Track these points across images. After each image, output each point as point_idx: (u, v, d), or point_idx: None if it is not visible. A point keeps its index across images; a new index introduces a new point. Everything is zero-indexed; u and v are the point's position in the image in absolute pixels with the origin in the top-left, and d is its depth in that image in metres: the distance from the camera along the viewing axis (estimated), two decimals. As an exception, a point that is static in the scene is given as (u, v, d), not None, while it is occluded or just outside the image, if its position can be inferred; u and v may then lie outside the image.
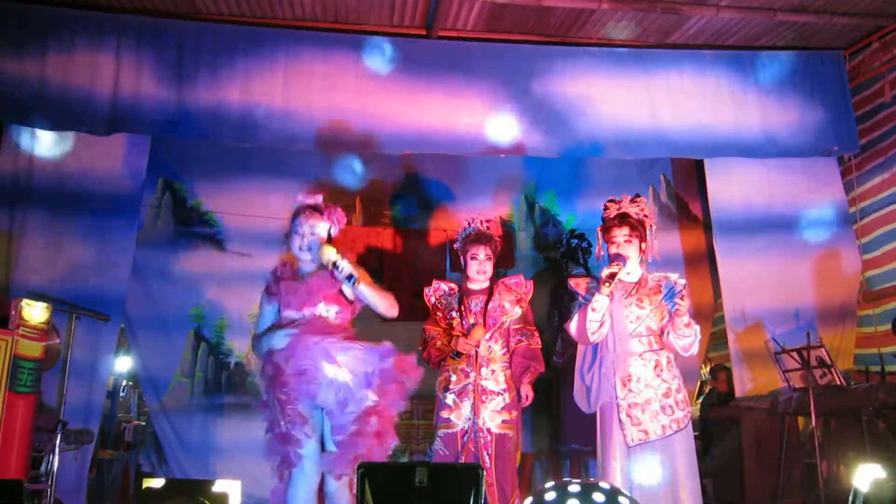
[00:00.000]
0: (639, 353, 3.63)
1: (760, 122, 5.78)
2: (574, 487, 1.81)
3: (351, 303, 3.65)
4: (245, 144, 5.58)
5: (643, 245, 3.75)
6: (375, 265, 6.36)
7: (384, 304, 3.60)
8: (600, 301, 3.62)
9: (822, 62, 5.96)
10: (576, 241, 5.73)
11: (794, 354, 5.13)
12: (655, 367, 3.62)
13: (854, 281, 5.88)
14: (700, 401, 7.53)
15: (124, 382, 7.29)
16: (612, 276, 3.56)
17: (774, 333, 5.52)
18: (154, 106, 5.23)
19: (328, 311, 3.54)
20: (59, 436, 4.53)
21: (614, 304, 3.67)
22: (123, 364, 7.02)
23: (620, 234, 3.71)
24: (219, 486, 2.29)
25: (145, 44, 5.29)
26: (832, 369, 5.00)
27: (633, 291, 3.72)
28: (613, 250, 3.70)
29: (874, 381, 5.11)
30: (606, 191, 6.48)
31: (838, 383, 4.95)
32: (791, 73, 5.89)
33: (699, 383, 7.70)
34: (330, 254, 3.50)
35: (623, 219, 3.72)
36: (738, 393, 5.73)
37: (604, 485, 1.81)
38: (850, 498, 2.71)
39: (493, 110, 5.56)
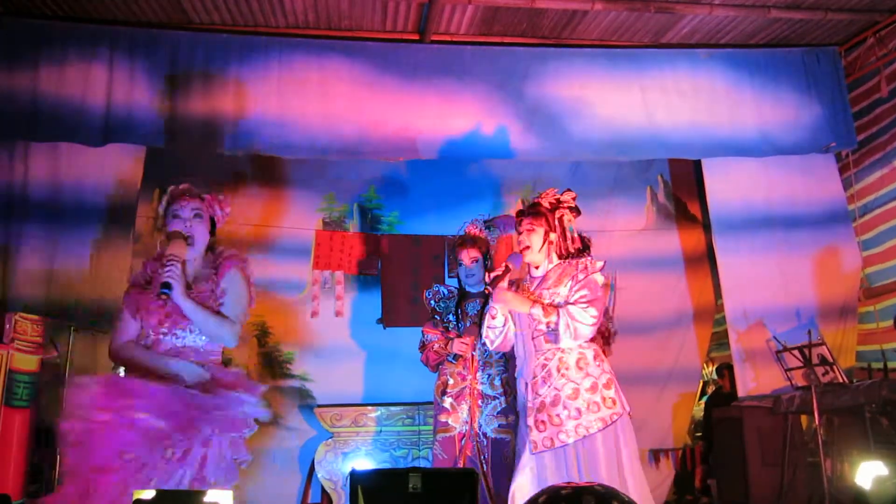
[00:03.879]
0: (544, 352, 3.39)
1: (757, 120, 5.75)
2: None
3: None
4: (239, 153, 5.56)
5: (552, 235, 3.48)
6: (374, 271, 6.35)
7: (211, 327, 3.00)
8: (497, 308, 3.46)
9: (818, 59, 5.94)
10: None
11: (796, 353, 5.10)
12: (560, 365, 3.33)
13: (854, 278, 5.84)
14: (703, 401, 7.50)
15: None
16: (496, 280, 3.35)
17: (776, 332, 5.48)
18: (148, 116, 5.21)
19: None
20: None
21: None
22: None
23: (525, 223, 3.48)
24: (210, 497, 2.27)
25: (138, 54, 5.28)
26: (834, 367, 4.96)
27: (536, 287, 3.48)
28: (523, 241, 3.47)
29: (877, 377, 5.10)
30: (603, 193, 6.52)
31: (841, 381, 4.92)
32: (786, 70, 5.87)
33: (702, 383, 7.66)
34: (175, 248, 2.98)
35: (531, 207, 3.52)
36: (740, 392, 5.69)
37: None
38: (854, 495, 2.68)
39: (487, 114, 5.53)
